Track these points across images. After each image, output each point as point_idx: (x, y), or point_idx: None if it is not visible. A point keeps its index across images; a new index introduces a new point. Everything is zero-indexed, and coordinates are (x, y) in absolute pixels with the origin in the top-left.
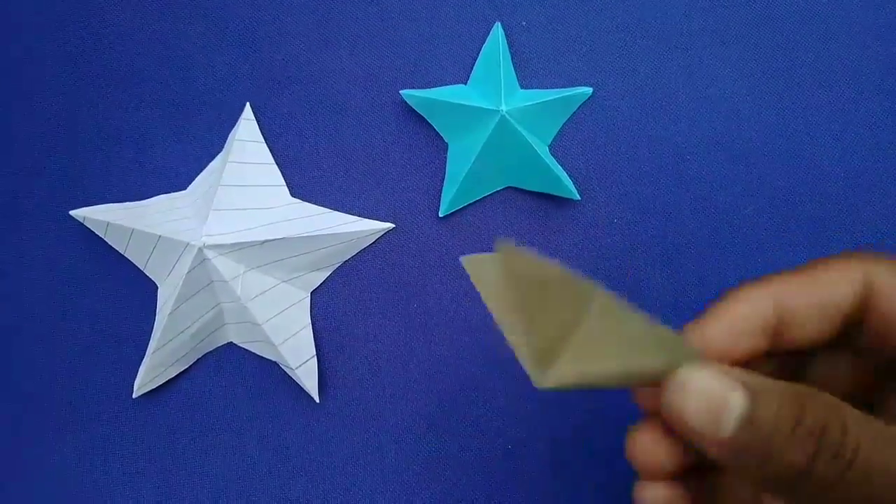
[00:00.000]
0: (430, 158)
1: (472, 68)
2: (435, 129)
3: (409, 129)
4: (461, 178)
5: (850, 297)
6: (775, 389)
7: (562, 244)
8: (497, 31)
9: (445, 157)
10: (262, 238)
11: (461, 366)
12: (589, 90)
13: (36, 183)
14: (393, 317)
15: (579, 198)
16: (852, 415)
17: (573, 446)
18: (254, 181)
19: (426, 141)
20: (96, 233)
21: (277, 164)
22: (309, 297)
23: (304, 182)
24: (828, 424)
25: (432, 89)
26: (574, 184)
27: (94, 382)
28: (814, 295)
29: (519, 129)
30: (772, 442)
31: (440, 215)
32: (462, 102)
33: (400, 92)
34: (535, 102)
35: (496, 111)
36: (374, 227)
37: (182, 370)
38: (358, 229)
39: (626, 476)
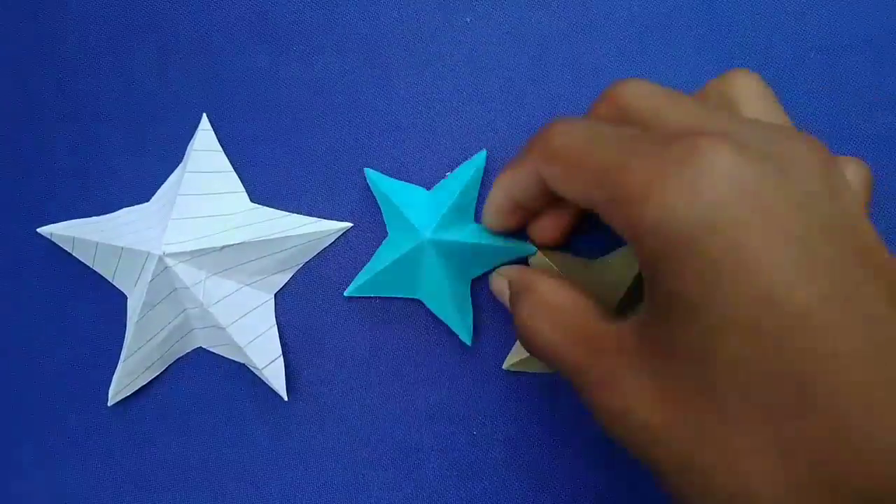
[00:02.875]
0: (387, 156)
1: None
2: (384, 133)
3: (366, 129)
4: (375, 272)
5: (535, 184)
6: (510, 273)
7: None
8: (480, 157)
9: (401, 156)
10: (221, 244)
11: (425, 356)
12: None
13: (1, 202)
14: (356, 313)
15: (468, 344)
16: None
17: (539, 431)
18: (212, 189)
19: (382, 140)
20: (64, 248)
21: (235, 169)
22: (273, 299)
23: (263, 187)
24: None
25: (393, 180)
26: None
27: (70, 394)
28: (519, 184)
29: (436, 261)
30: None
31: (344, 294)
32: (400, 207)
33: (364, 170)
34: (469, 242)
35: (420, 234)
36: (333, 227)
37: (154, 376)
38: (317, 230)
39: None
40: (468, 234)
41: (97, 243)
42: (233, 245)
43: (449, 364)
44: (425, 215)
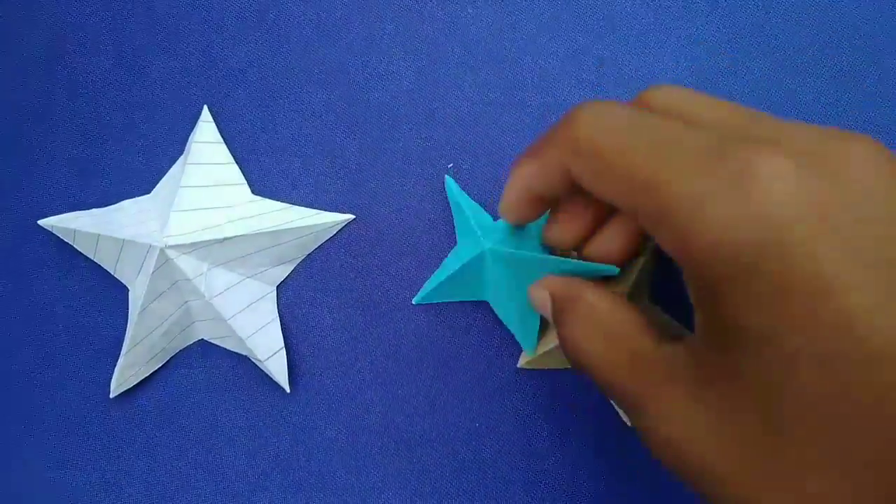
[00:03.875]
0: (388, 148)
1: None
2: (385, 125)
3: (367, 122)
4: (440, 280)
5: (558, 176)
6: (553, 285)
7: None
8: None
9: (401, 147)
10: (223, 236)
11: (427, 348)
12: None
13: (2, 195)
14: (358, 306)
15: (530, 355)
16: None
17: (545, 423)
18: (214, 181)
19: (383, 132)
20: (65, 240)
21: (237, 162)
22: (275, 291)
23: (264, 179)
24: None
25: (464, 196)
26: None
27: (71, 386)
28: (539, 177)
29: (498, 271)
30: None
31: (413, 302)
32: (468, 213)
33: (446, 176)
34: (533, 256)
35: (482, 244)
36: (335, 219)
37: (156, 368)
38: (318, 222)
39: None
40: (534, 246)
41: (99, 235)
42: (235, 237)
43: (452, 356)
44: (492, 226)
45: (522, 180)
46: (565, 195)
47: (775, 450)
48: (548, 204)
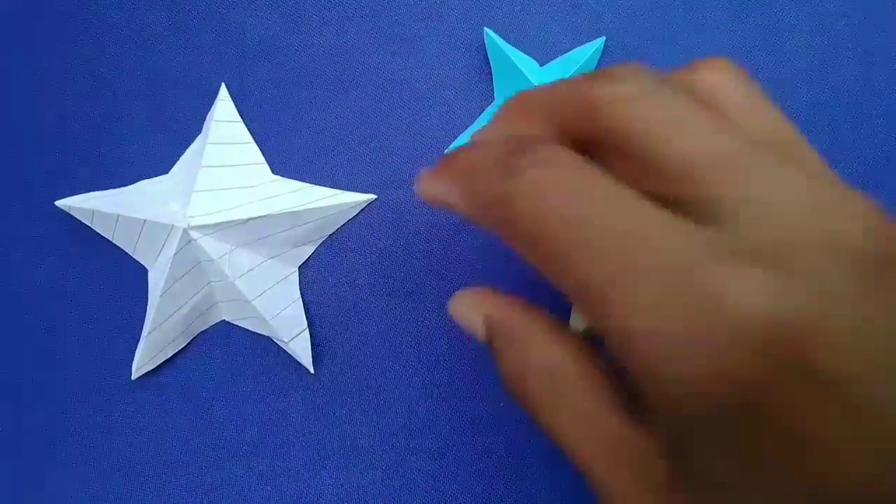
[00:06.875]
0: (409, 127)
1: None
2: (405, 103)
3: (387, 99)
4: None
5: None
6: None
7: None
8: (598, 42)
9: (422, 126)
10: (245, 216)
11: (449, 328)
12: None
13: (19, 176)
14: (380, 286)
15: None
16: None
17: None
18: (234, 161)
19: (404, 110)
20: (83, 221)
21: (256, 142)
22: (297, 272)
23: (284, 159)
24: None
25: (512, 48)
26: None
27: (92, 369)
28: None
29: None
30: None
31: (444, 152)
32: (518, 64)
33: (485, 29)
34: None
35: (529, 83)
36: (356, 199)
37: (178, 350)
38: (339, 202)
39: None
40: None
41: (118, 216)
42: (258, 218)
43: (473, 338)
44: (539, 70)
45: (436, 199)
46: None
47: None
48: None
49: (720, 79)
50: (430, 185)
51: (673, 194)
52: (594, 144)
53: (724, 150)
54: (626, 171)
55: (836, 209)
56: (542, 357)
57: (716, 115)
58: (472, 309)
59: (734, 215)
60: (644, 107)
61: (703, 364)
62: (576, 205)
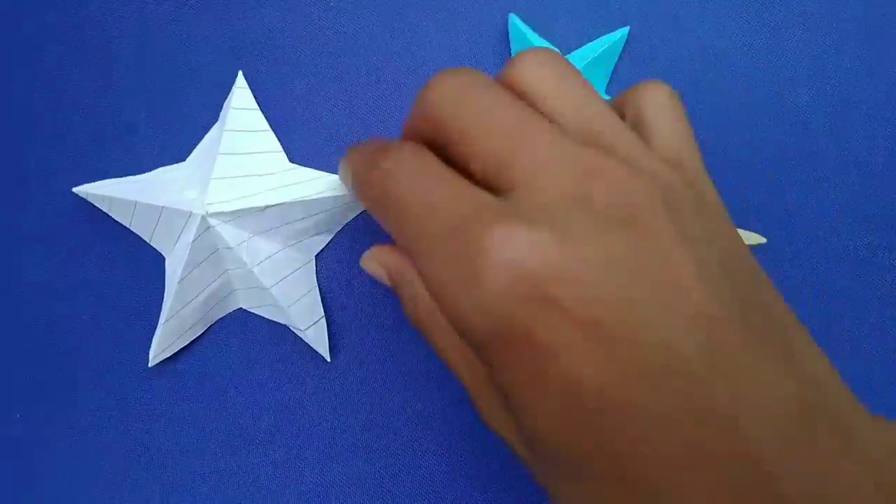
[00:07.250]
0: None
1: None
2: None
3: (403, 87)
4: None
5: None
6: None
7: None
8: (621, 33)
9: None
10: (264, 203)
11: None
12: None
13: (38, 163)
14: None
15: None
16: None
17: None
18: (251, 149)
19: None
20: (100, 208)
21: (273, 130)
22: (314, 261)
23: (301, 147)
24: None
25: (535, 35)
26: None
27: (109, 356)
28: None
29: None
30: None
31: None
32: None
33: (510, 15)
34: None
35: None
36: None
37: (195, 337)
38: None
39: None
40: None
41: (136, 203)
42: (276, 205)
43: None
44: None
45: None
46: None
47: (535, 461)
48: None
49: (536, 72)
50: (341, 172)
51: (483, 175)
52: (440, 142)
53: (518, 138)
54: (458, 158)
55: (590, 176)
56: (424, 293)
57: (519, 106)
58: (377, 262)
59: (521, 186)
60: (458, 105)
61: (472, 301)
62: (404, 184)
